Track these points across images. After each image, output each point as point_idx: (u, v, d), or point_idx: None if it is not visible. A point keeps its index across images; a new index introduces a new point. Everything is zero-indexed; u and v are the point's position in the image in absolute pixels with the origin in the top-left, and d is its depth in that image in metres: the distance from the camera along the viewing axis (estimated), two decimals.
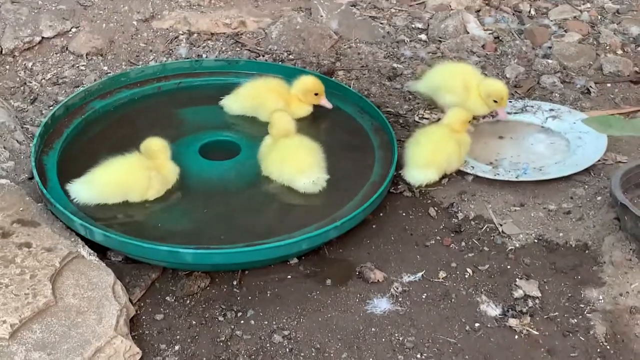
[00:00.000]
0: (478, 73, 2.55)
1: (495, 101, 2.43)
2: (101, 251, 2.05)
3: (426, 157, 2.28)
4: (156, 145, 2.18)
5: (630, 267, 2.03)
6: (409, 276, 2.07)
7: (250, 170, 2.29)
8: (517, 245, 2.15)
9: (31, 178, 2.28)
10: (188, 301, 1.99)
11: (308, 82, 2.46)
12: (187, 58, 2.84)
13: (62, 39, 2.88)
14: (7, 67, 2.78)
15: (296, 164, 2.21)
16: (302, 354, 1.87)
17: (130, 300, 1.93)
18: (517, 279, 2.05)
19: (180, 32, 2.99)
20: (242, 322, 1.94)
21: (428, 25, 3.10)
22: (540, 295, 2.01)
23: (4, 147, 2.38)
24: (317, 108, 2.50)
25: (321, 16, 3.07)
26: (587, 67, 2.90)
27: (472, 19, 3.10)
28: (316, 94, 2.46)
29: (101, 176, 2.12)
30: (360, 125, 2.48)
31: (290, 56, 2.91)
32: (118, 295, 1.89)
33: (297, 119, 2.37)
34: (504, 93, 2.44)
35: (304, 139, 2.29)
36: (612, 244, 2.09)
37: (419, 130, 2.38)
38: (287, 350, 1.87)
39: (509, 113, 2.56)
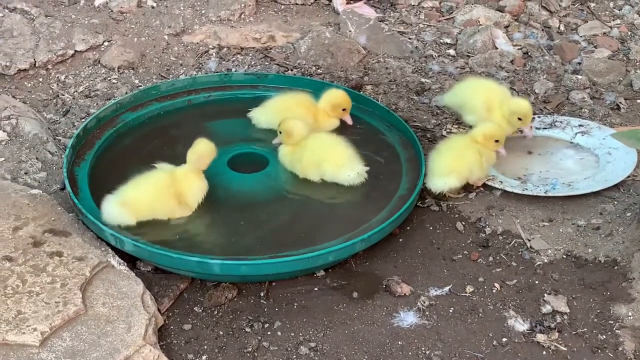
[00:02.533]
0: (504, 90, 2.54)
1: (519, 119, 2.42)
2: (131, 261, 2.07)
3: (447, 165, 2.29)
4: (205, 151, 2.18)
5: None
6: (435, 290, 2.06)
7: (278, 183, 2.31)
8: (546, 260, 2.14)
9: (63, 188, 2.31)
10: (216, 312, 2.00)
11: (337, 97, 2.48)
12: (217, 72, 2.87)
13: (94, 52, 2.92)
14: (41, 79, 2.82)
15: (336, 160, 2.26)
16: None
17: (159, 310, 1.95)
18: (545, 295, 2.03)
19: (210, 46, 3.02)
20: (269, 333, 1.95)
21: (456, 41, 3.11)
22: (568, 311, 1.99)
23: (37, 158, 2.42)
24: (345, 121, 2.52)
25: (350, 31, 3.09)
26: (616, 83, 2.89)
27: (500, 34, 3.10)
28: (344, 109, 2.48)
29: (134, 199, 2.11)
30: (388, 139, 2.49)
31: (319, 70, 2.93)
32: (147, 304, 1.90)
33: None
34: (528, 110, 2.42)
35: (328, 135, 2.35)
36: None
37: (442, 141, 2.40)
38: None
39: (537, 128, 2.55)
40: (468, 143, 2.33)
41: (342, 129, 2.50)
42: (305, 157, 2.28)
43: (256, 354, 1.90)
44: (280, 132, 2.33)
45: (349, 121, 2.50)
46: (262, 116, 2.51)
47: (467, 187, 2.36)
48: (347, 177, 2.25)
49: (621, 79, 2.90)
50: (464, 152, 2.31)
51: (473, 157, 2.31)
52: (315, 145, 2.29)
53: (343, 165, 2.26)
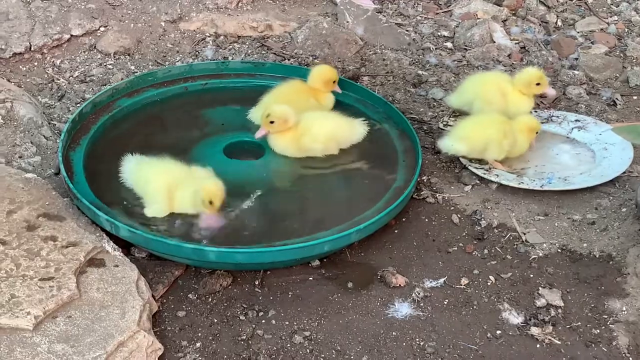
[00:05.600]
0: (508, 77, 2.59)
1: (538, 84, 2.49)
2: (125, 247, 2.06)
3: (463, 131, 2.37)
4: None
5: None
6: (430, 282, 2.06)
7: (275, 172, 2.30)
8: (541, 254, 2.15)
9: (57, 173, 2.30)
10: (210, 299, 1.99)
11: (327, 72, 2.51)
12: (214, 60, 2.85)
13: (90, 37, 2.90)
14: (36, 64, 2.80)
15: (346, 125, 2.39)
16: (323, 356, 1.87)
17: (153, 297, 1.94)
18: (540, 288, 2.04)
19: (207, 34, 3.00)
20: (263, 321, 1.94)
21: (454, 34, 3.11)
22: (563, 304, 2.00)
23: (31, 142, 2.41)
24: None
25: (347, 22, 3.08)
26: (613, 79, 2.89)
27: (498, 28, 3.10)
28: (334, 82, 2.51)
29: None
30: (385, 131, 2.48)
31: (316, 60, 2.92)
32: (141, 290, 1.89)
33: None
34: (540, 73, 2.53)
35: (319, 112, 2.44)
36: (637, 256, 2.08)
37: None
38: (308, 351, 1.88)
39: None
40: (497, 121, 2.38)
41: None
42: (322, 135, 2.33)
43: (250, 342, 1.89)
44: (272, 122, 2.30)
45: (338, 89, 2.53)
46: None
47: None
48: (362, 131, 2.38)
49: (618, 75, 2.91)
50: (487, 127, 2.36)
51: (493, 135, 2.34)
52: (322, 122, 2.36)
53: (353, 126, 2.38)
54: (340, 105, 2.53)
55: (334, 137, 2.35)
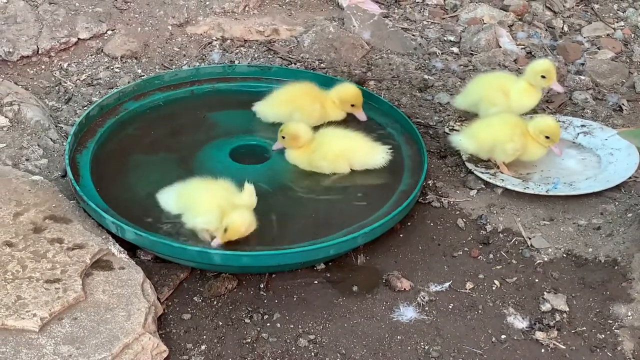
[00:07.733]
0: (511, 75, 2.60)
1: (543, 77, 2.47)
2: (131, 249, 2.07)
3: (473, 129, 2.38)
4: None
5: None
6: (435, 286, 2.06)
7: (280, 175, 2.31)
8: (546, 259, 2.15)
9: (64, 176, 2.31)
10: (215, 302, 2.00)
11: (347, 92, 2.48)
12: (220, 63, 2.86)
13: (97, 40, 2.91)
14: (43, 67, 2.81)
15: (364, 147, 2.32)
16: (327, 359, 1.87)
17: (159, 299, 1.95)
18: (545, 293, 2.04)
19: (214, 38, 3.01)
20: (268, 324, 1.95)
21: (460, 38, 3.11)
22: (568, 309, 2.00)
23: (38, 145, 2.42)
24: (349, 116, 2.51)
25: (353, 26, 3.08)
26: (619, 85, 2.89)
27: (504, 33, 3.10)
28: (352, 105, 2.48)
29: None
30: (391, 135, 2.48)
31: (322, 65, 2.93)
32: (147, 293, 1.90)
33: (330, 122, 2.44)
34: (548, 64, 2.49)
35: (337, 128, 2.37)
36: None
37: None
38: (313, 354, 1.88)
39: None
40: (510, 123, 2.36)
41: (346, 124, 2.49)
42: (331, 152, 2.28)
43: (255, 345, 1.89)
44: (284, 137, 2.30)
45: (362, 117, 2.49)
46: (268, 109, 2.48)
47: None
48: (381, 159, 2.30)
49: (624, 80, 2.91)
50: (496, 128, 2.35)
51: (499, 137, 2.33)
52: (335, 140, 2.30)
53: (372, 149, 2.31)
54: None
55: (345, 157, 2.29)
